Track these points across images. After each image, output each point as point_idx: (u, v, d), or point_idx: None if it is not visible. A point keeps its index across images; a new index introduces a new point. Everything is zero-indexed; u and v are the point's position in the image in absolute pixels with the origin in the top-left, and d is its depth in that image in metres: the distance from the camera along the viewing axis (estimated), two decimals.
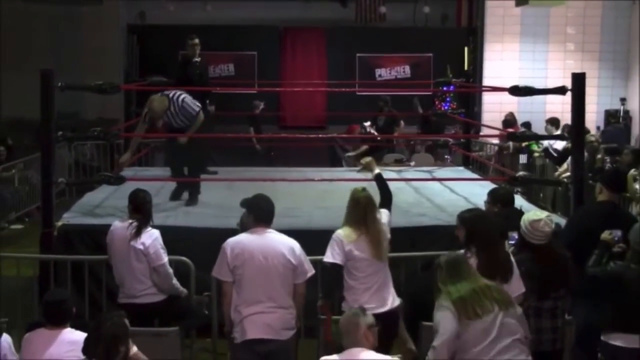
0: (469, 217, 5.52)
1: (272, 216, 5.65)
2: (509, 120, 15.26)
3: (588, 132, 14.81)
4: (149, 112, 8.70)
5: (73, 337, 4.97)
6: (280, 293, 5.44)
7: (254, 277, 5.41)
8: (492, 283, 4.82)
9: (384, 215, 5.94)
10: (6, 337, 5.12)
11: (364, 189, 5.90)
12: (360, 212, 5.72)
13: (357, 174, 11.53)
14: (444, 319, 4.64)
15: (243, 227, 5.83)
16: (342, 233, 5.71)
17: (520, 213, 6.59)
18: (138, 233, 6.22)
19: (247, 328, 5.41)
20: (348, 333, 4.59)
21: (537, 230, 5.43)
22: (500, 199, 6.67)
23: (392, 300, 5.81)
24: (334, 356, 4.58)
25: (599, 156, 11.67)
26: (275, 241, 5.52)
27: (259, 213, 5.62)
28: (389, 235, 5.89)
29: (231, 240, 5.55)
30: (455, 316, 4.59)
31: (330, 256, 5.65)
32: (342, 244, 5.64)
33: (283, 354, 5.50)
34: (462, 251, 5.07)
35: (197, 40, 10.49)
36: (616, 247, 5.62)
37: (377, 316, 4.84)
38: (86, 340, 4.31)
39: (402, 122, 14.71)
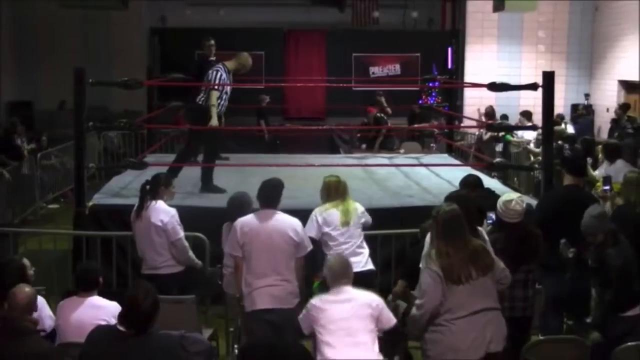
0: (455, 197, 5.48)
1: (275, 200, 5.60)
2: (489, 113, 15.23)
3: (563, 117, 14.89)
4: (241, 68, 8.61)
5: (98, 303, 5.00)
6: (284, 267, 5.40)
7: (260, 253, 5.39)
8: (481, 244, 4.73)
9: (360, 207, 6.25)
10: (42, 302, 5.15)
11: (332, 176, 6.32)
12: (331, 192, 6.15)
13: (352, 159, 11.60)
14: (431, 285, 4.55)
15: (229, 210, 6.00)
16: (317, 208, 6.13)
17: (490, 193, 6.61)
18: (142, 204, 6.25)
19: (256, 299, 5.38)
20: (342, 274, 4.70)
21: (509, 210, 5.41)
22: (471, 184, 6.67)
23: (364, 265, 5.98)
24: (327, 295, 4.69)
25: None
26: (280, 221, 5.48)
27: (262, 198, 5.62)
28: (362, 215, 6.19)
29: (241, 220, 5.53)
30: (442, 281, 4.50)
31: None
32: (316, 217, 6.03)
33: (289, 322, 5.36)
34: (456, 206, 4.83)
35: (212, 42, 10.48)
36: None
37: None
38: (124, 314, 4.30)
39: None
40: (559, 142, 10.84)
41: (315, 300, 4.68)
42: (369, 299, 4.64)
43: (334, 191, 6.15)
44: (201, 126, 8.33)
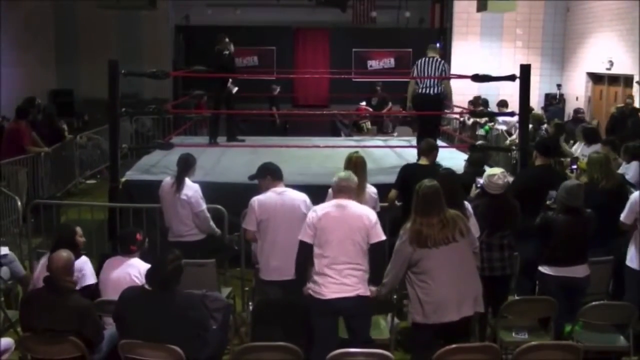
0: (443, 174, 5.41)
1: (282, 173, 5.52)
2: (474, 102, 15.16)
3: (532, 109, 14.80)
4: None
5: (135, 264, 5.05)
6: (297, 238, 5.06)
7: (276, 228, 5.23)
8: (457, 213, 4.57)
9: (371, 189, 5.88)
10: (85, 260, 5.19)
11: (357, 152, 5.92)
12: (351, 168, 5.53)
13: (352, 141, 11.57)
14: (399, 253, 4.45)
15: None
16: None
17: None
18: (178, 185, 6.20)
19: (270, 270, 5.28)
20: (346, 188, 4.73)
21: (492, 183, 5.40)
22: (474, 161, 6.71)
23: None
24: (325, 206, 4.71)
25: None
26: (293, 198, 5.33)
27: (274, 173, 5.47)
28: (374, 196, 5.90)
29: (257, 199, 5.33)
30: (411, 248, 4.37)
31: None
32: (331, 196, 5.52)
33: (298, 286, 5.08)
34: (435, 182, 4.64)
35: (227, 39, 10.47)
36: (550, 202, 5.63)
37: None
38: (150, 273, 4.33)
39: (390, 103, 14.65)
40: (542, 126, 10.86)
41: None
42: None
43: (352, 167, 5.64)
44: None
